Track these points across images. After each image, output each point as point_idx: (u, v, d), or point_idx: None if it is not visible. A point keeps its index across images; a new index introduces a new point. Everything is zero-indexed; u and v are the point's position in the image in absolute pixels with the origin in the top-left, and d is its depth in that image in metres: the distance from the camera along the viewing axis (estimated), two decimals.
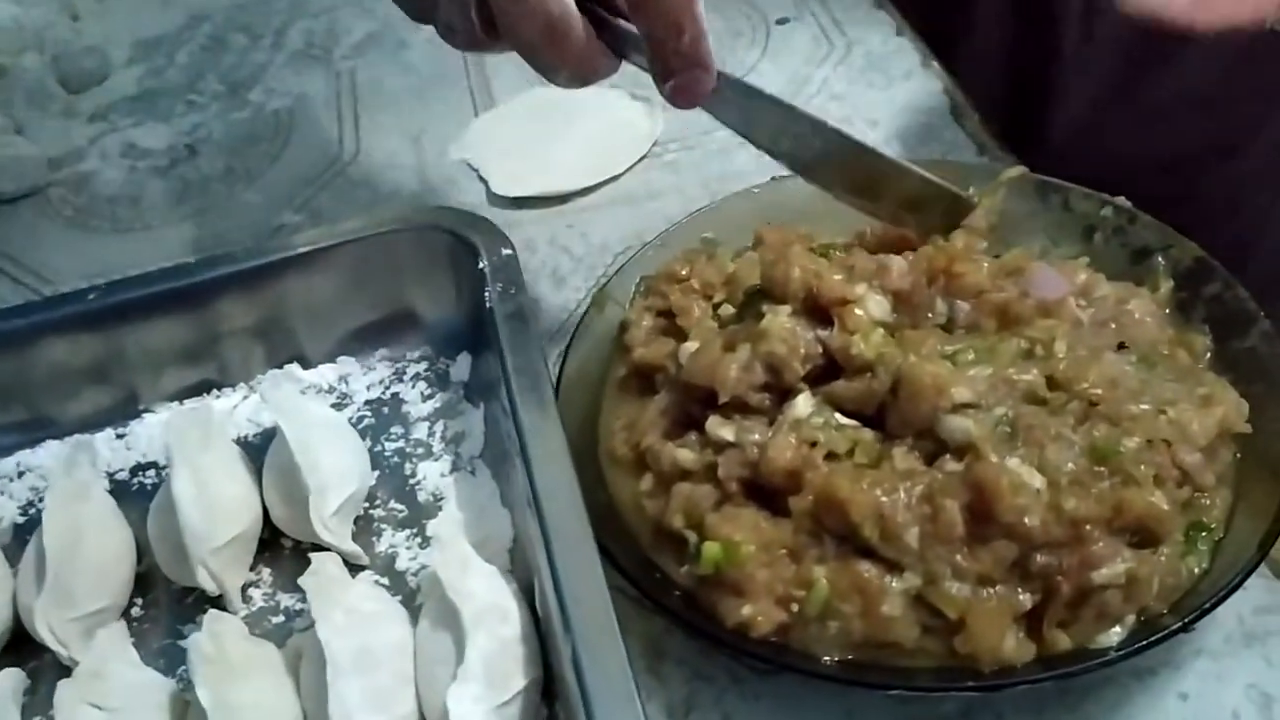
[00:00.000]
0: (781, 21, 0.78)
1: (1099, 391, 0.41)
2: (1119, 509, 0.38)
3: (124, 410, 0.55)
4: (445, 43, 0.48)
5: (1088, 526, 0.38)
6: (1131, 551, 0.38)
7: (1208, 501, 0.42)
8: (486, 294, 0.50)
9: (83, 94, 0.80)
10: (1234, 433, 0.43)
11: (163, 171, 0.73)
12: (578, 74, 0.46)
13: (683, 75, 0.44)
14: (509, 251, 0.52)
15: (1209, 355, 0.47)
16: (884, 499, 0.39)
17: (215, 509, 0.46)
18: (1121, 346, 0.44)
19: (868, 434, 0.42)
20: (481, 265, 0.51)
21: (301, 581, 0.42)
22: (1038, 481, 0.38)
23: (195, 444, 0.48)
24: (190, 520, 0.44)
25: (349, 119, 0.75)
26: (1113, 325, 0.45)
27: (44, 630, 0.43)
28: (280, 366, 0.55)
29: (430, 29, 0.48)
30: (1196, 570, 0.40)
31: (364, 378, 0.55)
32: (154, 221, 0.70)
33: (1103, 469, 0.39)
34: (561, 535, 0.40)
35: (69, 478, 0.48)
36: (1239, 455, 0.43)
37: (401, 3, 0.50)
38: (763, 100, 0.48)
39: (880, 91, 0.70)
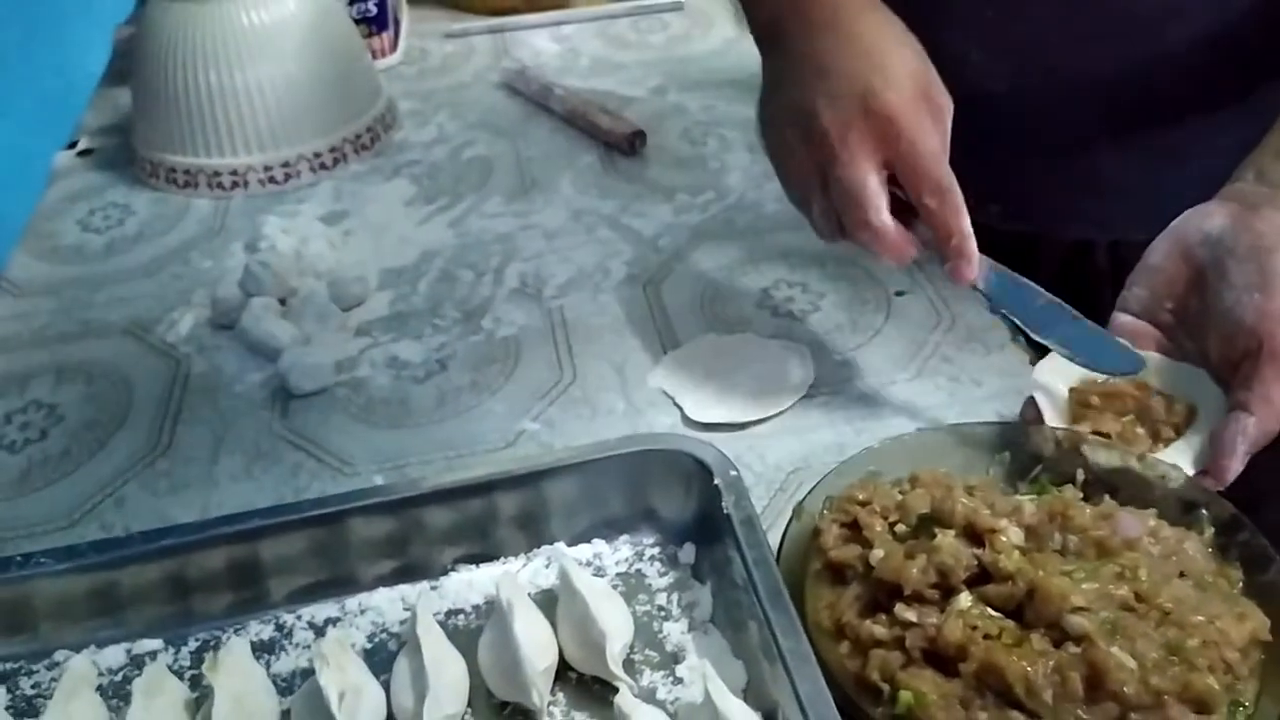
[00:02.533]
0: (899, 293, 0.98)
1: (1170, 605, 0.60)
2: (1186, 686, 0.57)
3: (435, 569, 0.74)
4: (816, 234, 0.79)
5: (1166, 697, 0.57)
6: (1194, 716, 0.57)
7: (1243, 686, 0.60)
8: (722, 505, 0.70)
9: (350, 312, 1.02)
10: (1260, 640, 0.61)
11: (420, 380, 0.94)
12: (896, 260, 0.75)
13: (951, 263, 0.73)
14: (735, 473, 0.72)
15: (1241, 584, 0.66)
16: (1028, 669, 0.58)
17: (537, 645, 0.65)
18: (1181, 575, 0.64)
19: (1010, 623, 0.61)
20: (716, 482, 0.71)
21: (617, 700, 0.61)
22: (1132, 664, 0.57)
23: (518, 598, 0.67)
24: (528, 651, 0.63)
25: (564, 347, 0.96)
26: (1174, 558, 0.65)
27: None
28: (550, 544, 0.75)
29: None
30: None
31: (612, 555, 0.75)
32: (421, 421, 0.89)
33: (1175, 658, 0.58)
34: (803, 679, 0.59)
35: (422, 616, 0.67)
36: (1264, 656, 0.62)
37: (789, 192, 0.81)
38: (1015, 283, 0.77)
39: (981, 358, 0.91)
